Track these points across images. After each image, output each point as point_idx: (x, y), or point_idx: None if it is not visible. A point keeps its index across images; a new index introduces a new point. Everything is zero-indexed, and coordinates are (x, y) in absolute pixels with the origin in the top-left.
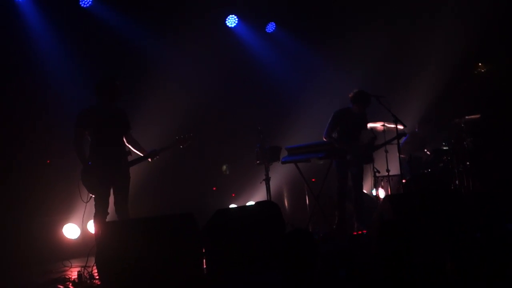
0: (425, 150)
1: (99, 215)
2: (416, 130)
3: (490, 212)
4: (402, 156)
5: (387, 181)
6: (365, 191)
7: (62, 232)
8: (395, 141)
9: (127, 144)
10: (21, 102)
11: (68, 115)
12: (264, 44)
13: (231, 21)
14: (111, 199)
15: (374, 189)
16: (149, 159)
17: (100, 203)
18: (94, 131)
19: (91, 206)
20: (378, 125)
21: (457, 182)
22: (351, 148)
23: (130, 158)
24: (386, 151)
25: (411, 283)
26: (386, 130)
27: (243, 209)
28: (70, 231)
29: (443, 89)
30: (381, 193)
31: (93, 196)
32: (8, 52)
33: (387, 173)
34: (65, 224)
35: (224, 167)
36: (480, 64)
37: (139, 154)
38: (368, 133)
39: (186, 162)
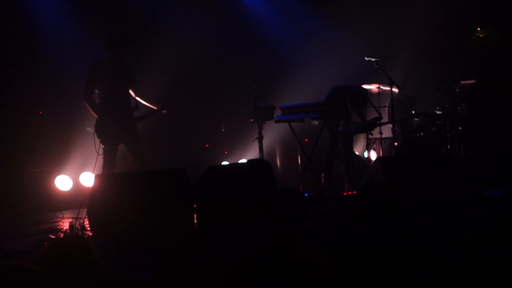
0: (413, 112)
1: (108, 168)
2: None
3: (476, 179)
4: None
5: (379, 144)
6: (357, 152)
7: (54, 183)
8: (386, 105)
9: (135, 97)
10: (12, 52)
11: (61, 65)
12: (262, 2)
13: None
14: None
15: (366, 151)
16: (164, 111)
17: (108, 156)
18: (102, 84)
19: (81, 157)
20: (373, 87)
21: (448, 146)
22: (350, 124)
23: (137, 114)
24: (380, 114)
25: (393, 245)
26: (381, 92)
27: (234, 166)
28: (63, 182)
29: (440, 53)
30: (373, 155)
31: (104, 148)
32: None
33: (379, 136)
34: (57, 175)
35: (223, 124)
36: (479, 29)
37: (148, 107)
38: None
39: (180, 118)
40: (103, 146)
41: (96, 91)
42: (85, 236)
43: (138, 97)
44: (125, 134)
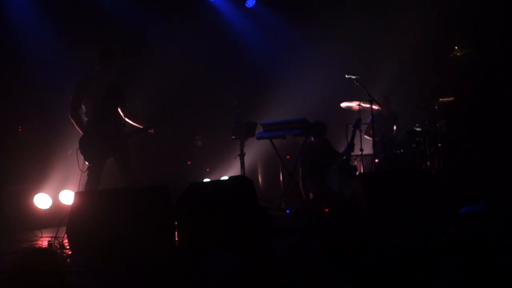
0: (394, 128)
1: (92, 184)
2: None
3: (455, 194)
4: (376, 139)
5: (360, 161)
6: None
7: (33, 201)
8: (369, 121)
9: (124, 118)
10: None
11: (41, 81)
12: (244, 19)
13: None
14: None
15: None
16: (151, 131)
17: (93, 173)
18: (91, 101)
19: (61, 175)
20: (354, 104)
21: (428, 163)
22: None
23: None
24: (360, 131)
25: (367, 262)
26: (361, 110)
27: (216, 183)
28: (42, 201)
29: (419, 71)
30: None
31: (89, 165)
32: None
33: (360, 153)
34: (36, 193)
35: (197, 137)
36: (456, 47)
37: (135, 127)
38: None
39: (161, 135)
40: (87, 163)
41: (83, 107)
42: (64, 254)
43: (127, 117)
44: (113, 151)
